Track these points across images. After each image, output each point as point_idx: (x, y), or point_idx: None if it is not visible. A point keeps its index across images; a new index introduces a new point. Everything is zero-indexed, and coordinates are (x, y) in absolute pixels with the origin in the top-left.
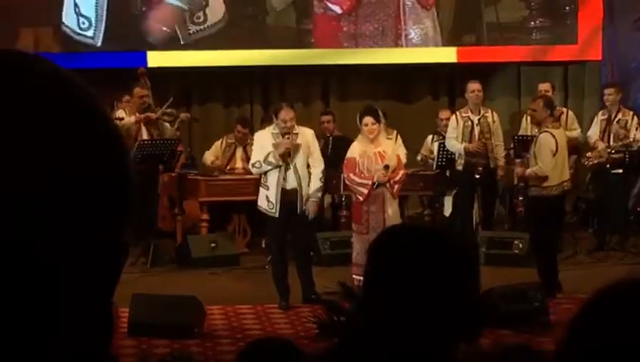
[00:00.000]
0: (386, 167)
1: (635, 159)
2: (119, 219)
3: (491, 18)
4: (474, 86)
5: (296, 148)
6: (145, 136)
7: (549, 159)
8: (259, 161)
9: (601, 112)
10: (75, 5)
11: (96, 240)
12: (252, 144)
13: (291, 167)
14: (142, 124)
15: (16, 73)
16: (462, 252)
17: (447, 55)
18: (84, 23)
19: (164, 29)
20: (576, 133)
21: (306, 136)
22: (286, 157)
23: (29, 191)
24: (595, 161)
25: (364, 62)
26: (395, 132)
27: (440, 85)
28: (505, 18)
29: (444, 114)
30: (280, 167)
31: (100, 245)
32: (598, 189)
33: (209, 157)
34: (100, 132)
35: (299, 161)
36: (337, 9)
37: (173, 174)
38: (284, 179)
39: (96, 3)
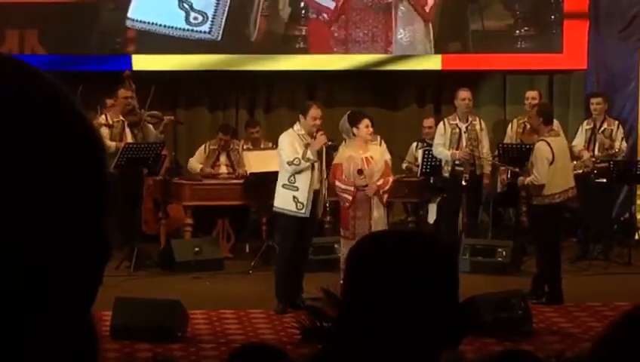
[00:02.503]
0: (359, 172)
1: (620, 169)
2: (98, 221)
3: (477, 26)
4: (464, 94)
5: (328, 146)
6: (129, 139)
7: (545, 168)
8: (298, 158)
9: (586, 122)
10: (181, 0)
11: (77, 242)
12: (235, 150)
13: (318, 167)
14: (125, 125)
15: None
16: (443, 257)
17: (433, 63)
18: (196, 19)
19: None
20: None
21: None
22: (320, 154)
23: (4, 192)
24: (580, 171)
25: (350, 68)
26: (378, 137)
27: (426, 93)
28: (490, 26)
29: (428, 122)
30: (312, 166)
31: (81, 247)
32: (583, 199)
33: (195, 164)
34: (78, 134)
35: (323, 163)
36: (325, 15)
37: (158, 178)
38: (312, 180)
39: None
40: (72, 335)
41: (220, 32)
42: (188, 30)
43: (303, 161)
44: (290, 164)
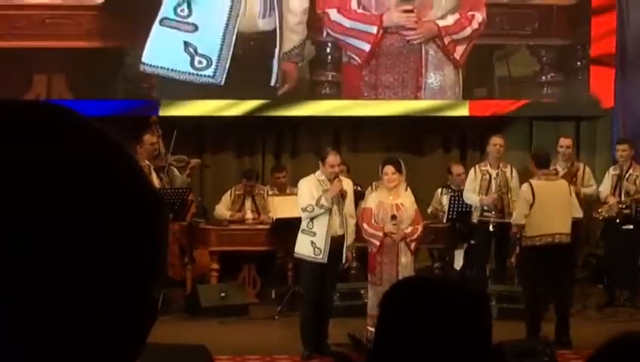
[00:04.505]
0: (393, 217)
1: None
2: (148, 286)
3: (503, 72)
4: (497, 140)
5: (345, 194)
6: (156, 184)
7: (523, 209)
8: (311, 205)
9: (612, 168)
10: (186, 44)
11: (125, 307)
12: (260, 195)
13: (338, 213)
14: (152, 170)
15: (47, 124)
16: (474, 304)
17: (459, 108)
18: (200, 63)
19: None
20: (591, 189)
21: (348, 186)
22: (338, 200)
23: (55, 244)
24: (606, 215)
25: (376, 114)
26: (405, 184)
27: (451, 138)
28: (516, 72)
29: (457, 169)
30: (330, 212)
31: (129, 312)
32: (609, 244)
33: (224, 211)
34: (132, 192)
35: (347, 208)
36: (357, 59)
37: (184, 223)
38: (331, 225)
39: (222, 42)
40: None
41: (224, 77)
42: (192, 74)
43: (316, 208)
44: (303, 210)
